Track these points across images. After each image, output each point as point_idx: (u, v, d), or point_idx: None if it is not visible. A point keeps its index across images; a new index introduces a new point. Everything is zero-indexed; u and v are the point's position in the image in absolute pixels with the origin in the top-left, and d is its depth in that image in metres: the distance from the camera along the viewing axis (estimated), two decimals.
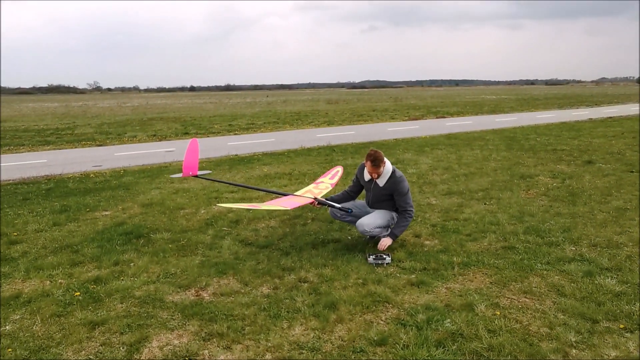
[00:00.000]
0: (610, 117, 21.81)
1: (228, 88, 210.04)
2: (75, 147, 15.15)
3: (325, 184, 6.19)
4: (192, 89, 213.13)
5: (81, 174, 10.06)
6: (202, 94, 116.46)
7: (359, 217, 5.00)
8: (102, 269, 4.55)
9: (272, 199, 5.76)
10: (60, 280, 4.29)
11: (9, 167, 11.18)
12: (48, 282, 4.28)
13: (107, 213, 6.69)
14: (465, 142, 13.76)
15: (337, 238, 5.31)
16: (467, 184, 7.95)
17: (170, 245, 5.17)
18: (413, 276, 4.21)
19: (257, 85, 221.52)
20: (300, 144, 14.17)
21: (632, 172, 8.58)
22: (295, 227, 5.77)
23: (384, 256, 4.58)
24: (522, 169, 9.17)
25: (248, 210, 6.33)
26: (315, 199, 5.15)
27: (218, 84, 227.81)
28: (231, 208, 6.16)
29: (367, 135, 16.75)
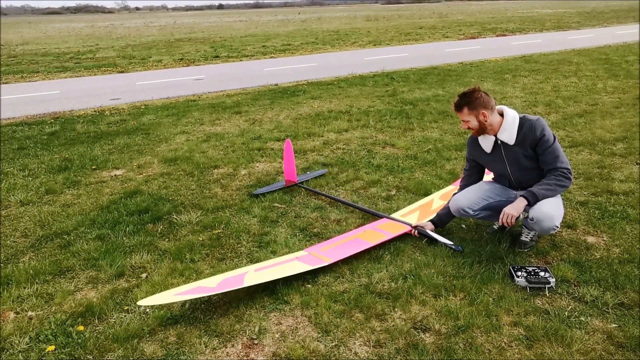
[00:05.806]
0: None
1: (257, 5, 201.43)
2: (95, 75, 13.46)
3: None
4: (221, 7, 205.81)
5: (95, 111, 8.42)
6: (230, 12, 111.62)
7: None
8: (98, 287, 2.96)
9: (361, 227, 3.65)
10: (30, 314, 2.72)
11: (15, 101, 9.62)
12: (12, 314, 2.73)
13: (118, 173, 5.07)
14: (550, 66, 11.33)
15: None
16: (591, 129, 5.92)
17: (200, 238, 3.51)
18: (612, 324, 2.45)
19: (287, 2, 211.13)
20: (349, 70, 12.03)
21: None
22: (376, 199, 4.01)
23: (542, 273, 2.80)
24: None
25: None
26: (414, 227, 3.36)
27: (247, 2, 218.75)
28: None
29: (423, 57, 14.35)
